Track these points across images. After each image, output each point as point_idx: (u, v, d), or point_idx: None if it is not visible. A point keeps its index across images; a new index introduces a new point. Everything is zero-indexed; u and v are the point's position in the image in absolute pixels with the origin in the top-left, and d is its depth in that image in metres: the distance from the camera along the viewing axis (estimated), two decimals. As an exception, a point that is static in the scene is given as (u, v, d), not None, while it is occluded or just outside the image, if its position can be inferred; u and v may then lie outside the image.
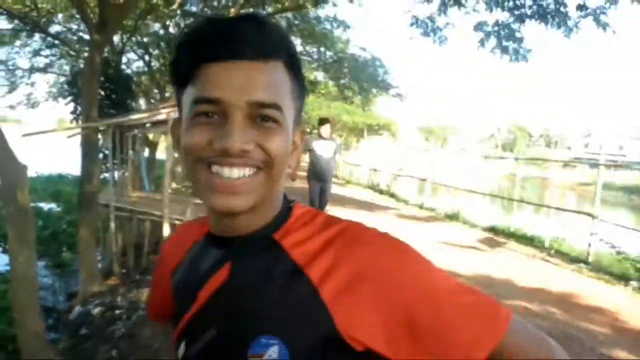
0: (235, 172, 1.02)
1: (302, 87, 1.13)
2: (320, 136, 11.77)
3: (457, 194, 20.72)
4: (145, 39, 23.71)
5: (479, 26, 13.01)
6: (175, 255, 1.32)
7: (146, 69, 25.80)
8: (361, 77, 22.54)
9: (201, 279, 1.15)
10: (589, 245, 12.19)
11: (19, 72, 24.70)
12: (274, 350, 1.00)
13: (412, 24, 13.48)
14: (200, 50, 1.02)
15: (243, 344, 1.03)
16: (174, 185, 14.61)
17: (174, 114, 11.61)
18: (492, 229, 15.55)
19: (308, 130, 65.60)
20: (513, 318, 1.04)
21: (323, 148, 11.67)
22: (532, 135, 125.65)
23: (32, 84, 25.66)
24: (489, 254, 12.29)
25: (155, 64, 26.05)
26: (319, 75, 28.69)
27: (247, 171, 1.03)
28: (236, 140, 0.99)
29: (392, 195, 23.95)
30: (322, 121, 12.10)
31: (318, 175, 11.84)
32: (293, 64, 1.08)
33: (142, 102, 27.40)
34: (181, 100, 1.12)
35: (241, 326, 1.06)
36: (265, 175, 1.05)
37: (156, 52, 25.09)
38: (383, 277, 1.01)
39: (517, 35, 12.85)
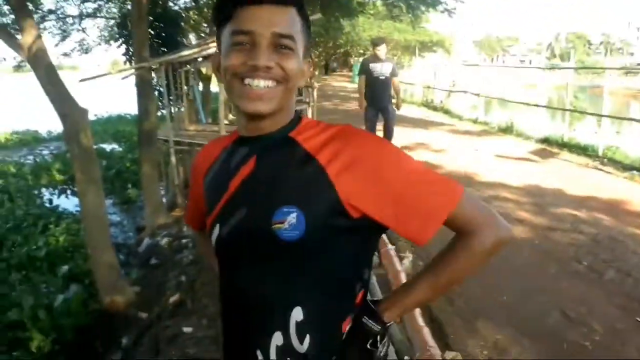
0: (262, 83, 1.39)
1: (309, 29, 1.50)
2: (376, 57, 10.95)
3: (511, 107, 20.59)
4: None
5: None
6: (205, 162, 1.69)
7: (193, 4, 25.85)
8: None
9: (231, 173, 1.52)
10: (643, 152, 11.78)
11: (69, 20, 24.90)
12: (292, 217, 1.37)
13: None
14: None
15: (268, 215, 1.39)
16: (230, 116, 14.82)
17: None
18: (546, 140, 15.39)
19: (361, 51, 65.18)
20: (466, 193, 1.42)
21: (380, 70, 10.83)
22: (592, 43, 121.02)
23: (84, 30, 25.86)
24: (541, 165, 12.30)
25: (202, -3, 26.13)
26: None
27: (270, 83, 1.40)
28: (263, 59, 1.37)
29: (446, 112, 23.84)
30: (377, 41, 11.39)
31: (375, 99, 10.91)
32: (303, 11, 1.46)
33: (192, 37, 27.52)
34: (221, 36, 1.48)
35: (266, 202, 1.42)
36: (283, 87, 1.43)
37: (203, -15, 25.12)
38: (374, 160, 1.38)
39: None
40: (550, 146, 14.79)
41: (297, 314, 1.42)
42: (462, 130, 18.02)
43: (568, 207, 8.70)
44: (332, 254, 1.42)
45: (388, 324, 1.52)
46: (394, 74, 11.00)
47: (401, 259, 4.93)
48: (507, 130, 17.63)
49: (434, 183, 1.41)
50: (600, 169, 11.91)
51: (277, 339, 1.43)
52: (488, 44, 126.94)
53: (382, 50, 10.91)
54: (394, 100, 11.34)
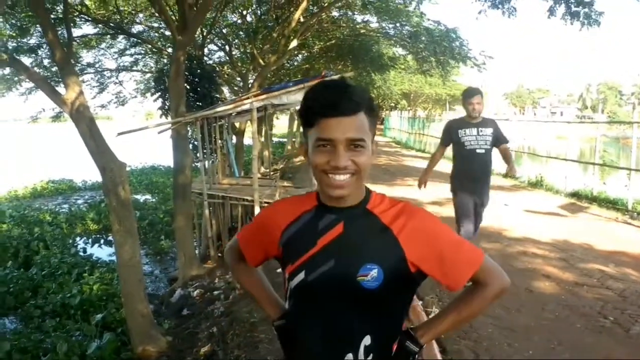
0: (342, 177, 1.84)
1: (375, 119, 1.93)
2: (469, 119, 7.28)
3: (540, 160, 20.60)
4: (224, 30, 24.22)
5: None
6: (285, 219, 2.09)
7: (227, 58, 26.34)
8: (437, 50, 22.44)
9: (319, 232, 1.96)
10: (672, 207, 11.69)
11: (107, 73, 25.50)
12: (374, 272, 1.85)
13: None
14: (319, 110, 1.82)
15: (354, 269, 1.87)
16: (262, 169, 15.06)
17: (256, 102, 12.09)
18: (575, 194, 15.44)
19: (392, 104, 65.44)
20: (486, 257, 1.99)
21: (477, 138, 7.27)
22: (624, 93, 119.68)
23: (120, 83, 26.48)
24: (570, 220, 12.30)
25: (236, 52, 26.56)
26: (398, 51, 28.63)
27: (347, 177, 1.85)
28: (342, 161, 1.81)
29: (476, 166, 23.90)
30: (471, 92, 7.30)
31: (470, 182, 7.52)
32: (371, 109, 1.89)
33: (225, 90, 27.95)
34: (307, 133, 1.91)
35: (352, 259, 1.89)
36: (357, 177, 1.87)
37: (236, 41, 25.59)
38: (429, 232, 1.94)
39: None
40: (579, 200, 14.83)
41: (367, 340, 1.90)
42: (493, 184, 18.03)
43: (596, 262, 8.72)
44: (397, 297, 1.95)
45: (423, 345, 2.02)
46: (500, 140, 7.49)
47: (428, 314, 5.16)
48: (536, 184, 17.68)
49: (466, 250, 1.97)
50: (630, 223, 11.90)
51: (349, 357, 1.90)
52: (519, 96, 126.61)
53: (477, 107, 7.17)
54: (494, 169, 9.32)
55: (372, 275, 1.85)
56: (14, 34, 15.80)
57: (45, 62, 18.42)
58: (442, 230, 1.95)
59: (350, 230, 1.94)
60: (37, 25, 13.39)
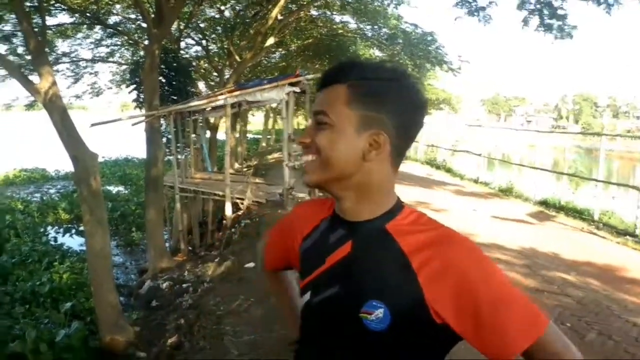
0: (306, 158, 1.51)
1: (368, 98, 1.46)
2: None
3: (512, 167, 20.87)
4: (202, 24, 24.20)
5: (522, 4, 12.69)
6: (306, 227, 1.71)
7: (204, 53, 26.35)
8: (414, 53, 22.58)
9: (329, 249, 1.55)
10: (637, 217, 12.11)
11: (82, 63, 25.40)
12: (380, 311, 1.39)
13: (457, 4, 13.30)
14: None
15: (358, 302, 1.43)
16: (236, 165, 15.14)
17: (231, 98, 12.21)
18: (544, 203, 15.71)
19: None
20: (550, 324, 1.36)
21: None
22: (599, 105, 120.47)
23: (96, 74, 26.40)
24: (537, 227, 12.48)
25: (213, 47, 26.54)
26: (375, 52, 28.74)
27: (310, 159, 1.49)
28: (302, 136, 1.52)
29: (449, 170, 24.14)
30: None
31: None
32: (356, 86, 1.46)
33: (201, 85, 27.94)
34: None
35: (358, 290, 1.45)
36: (319, 161, 1.47)
37: (213, 36, 25.56)
38: (463, 272, 1.35)
39: (560, 12, 12.50)
40: (547, 209, 15.05)
41: None
42: (462, 190, 18.26)
43: (558, 269, 8.88)
44: (411, 352, 1.44)
45: None
46: None
47: None
48: (507, 191, 17.90)
49: (520, 307, 1.36)
50: (595, 233, 12.09)
51: None
52: (495, 103, 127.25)
53: None
54: None
55: (377, 315, 1.41)
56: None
57: (20, 50, 18.30)
58: (486, 274, 1.38)
59: (358, 252, 1.50)
60: (11, 13, 13.34)
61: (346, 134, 1.45)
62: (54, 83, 8.39)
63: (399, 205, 1.53)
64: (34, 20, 10.20)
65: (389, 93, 1.47)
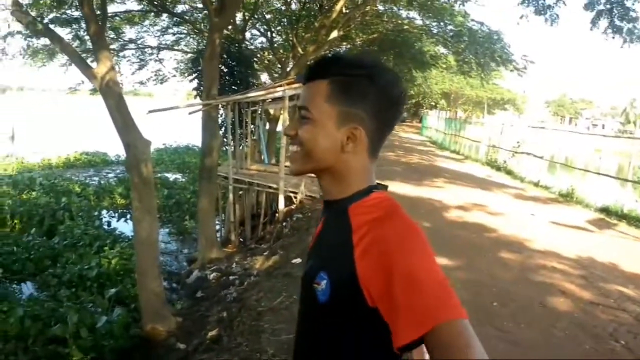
0: (291, 147, 1.59)
1: (346, 94, 1.52)
2: None
3: (574, 172, 20.33)
4: (267, 16, 24.22)
5: (590, 4, 12.25)
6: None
7: (268, 44, 26.37)
8: (479, 52, 22.26)
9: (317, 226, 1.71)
10: (703, 230, 11.53)
11: (148, 50, 25.68)
12: (324, 283, 1.46)
13: (523, 2, 12.98)
14: None
15: (314, 274, 1.51)
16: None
17: (289, 90, 12.08)
18: (605, 210, 15.05)
19: (432, 103, 65.26)
20: (465, 321, 1.23)
21: None
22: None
23: (161, 61, 26.63)
24: (596, 236, 11.96)
25: (277, 39, 26.56)
26: (440, 49, 28.43)
27: (295, 148, 1.57)
28: (287, 128, 1.59)
29: (509, 172, 23.62)
30: None
31: None
32: (335, 83, 1.52)
33: (265, 76, 27.98)
34: None
35: (317, 262, 1.56)
36: (302, 152, 1.55)
37: (278, 28, 25.58)
38: (386, 249, 1.34)
39: (632, 14, 12.05)
40: (609, 216, 14.43)
41: None
42: (522, 193, 17.79)
43: (616, 282, 8.43)
44: (348, 334, 1.44)
45: None
46: None
47: None
48: (567, 195, 17.36)
49: (436, 288, 1.27)
50: (658, 245, 11.57)
51: None
52: (561, 105, 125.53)
53: None
54: None
55: (322, 285, 1.46)
56: (51, 5, 15.87)
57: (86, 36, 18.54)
58: (407, 250, 1.33)
59: (325, 228, 1.63)
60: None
61: (326, 129, 1.53)
62: (112, 68, 8.41)
63: (367, 190, 1.57)
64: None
65: (365, 89, 1.52)
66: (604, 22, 12.27)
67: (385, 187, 1.71)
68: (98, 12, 9.05)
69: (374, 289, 1.34)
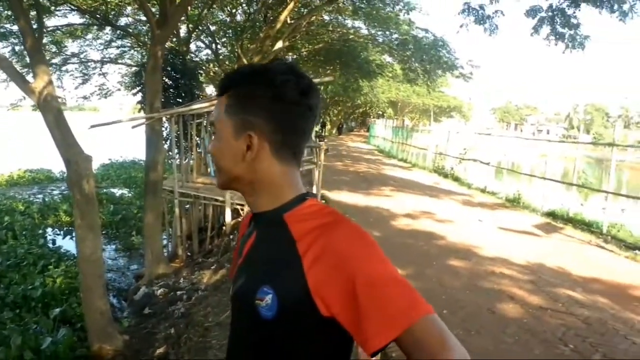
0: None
1: (240, 104, 1.52)
2: None
3: (520, 177, 20.57)
4: (212, 27, 24.13)
5: (532, 12, 12.36)
6: (242, 232, 1.77)
7: (214, 56, 26.26)
8: (425, 59, 22.49)
9: (246, 242, 1.62)
10: (647, 231, 11.59)
11: (91, 64, 25.42)
12: (268, 298, 1.39)
13: (462, 11, 13.00)
14: None
15: (254, 290, 1.43)
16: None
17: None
18: (551, 214, 15.32)
19: (379, 112, 65.68)
20: (434, 315, 1.28)
21: None
22: (611, 115, 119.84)
23: (104, 75, 26.39)
24: (544, 240, 12.15)
25: (222, 50, 26.49)
26: (386, 58, 28.62)
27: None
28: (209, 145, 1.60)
29: (456, 179, 23.85)
30: None
31: None
32: (231, 95, 1.54)
33: (211, 89, 27.87)
34: None
35: (255, 277, 1.47)
36: (217, 167, 1.58)
37: (223, 39, 25.50)
38: (341, 256, 1.33)
39: (573, 21, 12.18)
40: (555, 220, 14.67)
41: None
42: (469, 199, 17.95)
43: (564, 286, 8.55)
44: (300, 347, 1.41)
45: None
46: None
47: None
48: (514, 201, 17.56)
49: (401, 290, 1.31)
50: (603, 247, 11.73)
51: None
52: (507, 111, 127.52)
53: None
54: None
55: (266, 301, 1.40)
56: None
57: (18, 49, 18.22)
58: (364, 254, 1.34)
59: (258, 241, 1.55)
60: (8, 10, 13.16)
61: (227, 141, 1.53)
62: (50, 82, 8.26)
63: (300, 198, 1.54)
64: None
65: (255, 95, 1.51)
66: (546, 29, 12.40)
67: (314, 195, 1.71)
68: (35, 26, 8.90)
69: (331, 298, 1.33)
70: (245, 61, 20.60)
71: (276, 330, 1.41)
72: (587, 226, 13.77)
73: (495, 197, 18.80)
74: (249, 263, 1.56)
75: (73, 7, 18.44)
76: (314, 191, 12.84)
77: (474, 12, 12.96)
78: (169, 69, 16.24)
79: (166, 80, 15.95)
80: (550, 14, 12.23)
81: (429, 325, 1.26)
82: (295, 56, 28.53)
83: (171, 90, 16.46)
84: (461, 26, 13.33)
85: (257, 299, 1.42)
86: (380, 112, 66.04)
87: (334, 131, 63.28)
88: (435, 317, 1.28)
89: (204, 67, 26.66)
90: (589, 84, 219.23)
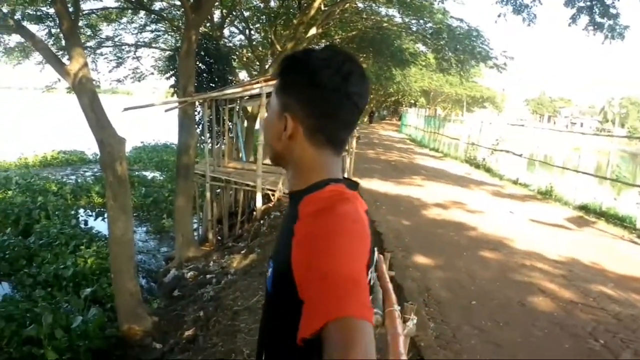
0: None
1: (285, 86, 1.61)
2: None
3: (553, 169, 20.36)
4: (246, 13, 24.11)
5: (570, 1, 12.14)
6: None
7: (247, 42, 26.27)
8: (458, 48, 22.29)
9: None
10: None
11: (125, 48, 25.51)
12: (270, 270, 1.54)
13: (500, 0, 12.90)
14: None
15: (269, 263, 1.58)
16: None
17: (267, 87, 12.00)
18: (584, 208, 15.12)
19: (412, 101, 65.36)
20: (364, 323, 1.20)
21: None
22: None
23: (138, 59, 26.46)
24: (575, 234, 12.01)
25: (256, 36, 26.46)
26: (419, 47, 28.42)
27: None
28: None
29: (488, 170, 23.66)
30: None
31: None
32: (280, 77, 1.63)
33: (243, 74, 27.87)
34: None
35: (273, 252, 1.61)
36: (264, 138, 1.68)
37: (257, 25, 25.46)
38: (312, 242, 1.35)
39: (612, 10, 11.98)
40: (587, 214, 14.47)
41: (263, 357, 1.60)
42: (501, 191, 17.80)
43: (595, 281, 8.45)
44: (288, 325, 1.37)
45: None
46: None
47: (405, 320, 4.61)
48: (546, 193, 17.37)
49: (338, 288, 1.25)
50: (636, 242, 11.60)
51: None
52: (540, 103, 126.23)
53: None
54: None
55: (269, 274, 1.53)
56: (24, 1, 15.67)
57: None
58: (326, 248, 1.32)
59: (283, 219, 1.71)
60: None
61: (272, 118, 1.63)
62: (85, 65, 8.31)
63: (324, 182, 1.55)
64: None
65: (294, 81, 1.59)
66: (584, 19, 12.20)
67: (356, 183, 1.66)
68: (71, 9, 8.96)
69: (297, 280, 1.34)
70: (278, 47, 20.61)
71: (274, 301, 1.53)
72: (620, 221, 13.54)
73: (527, 189, 18.60)
74: (276, 240, 1.68)
75: (109, -9, 18.53)
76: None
77: (512, 1, 12.79)
78: (202, 53, 16.28)
79: (199, 64, 15.99)
80: (588, 3, 12.02)
81: (348, 327, 1.19)
82: (328, 43, 28.43)
83: (204, 75, 16.50)
84: (499, 16, 13.19)
85: (267, 272, 1.58)
86: (413, 101, 65.71)
87: (365, 119, 63.10)
88: (363, 324, 1.20)
89: (237, 53, 26.66)
90: (625, 76, 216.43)
